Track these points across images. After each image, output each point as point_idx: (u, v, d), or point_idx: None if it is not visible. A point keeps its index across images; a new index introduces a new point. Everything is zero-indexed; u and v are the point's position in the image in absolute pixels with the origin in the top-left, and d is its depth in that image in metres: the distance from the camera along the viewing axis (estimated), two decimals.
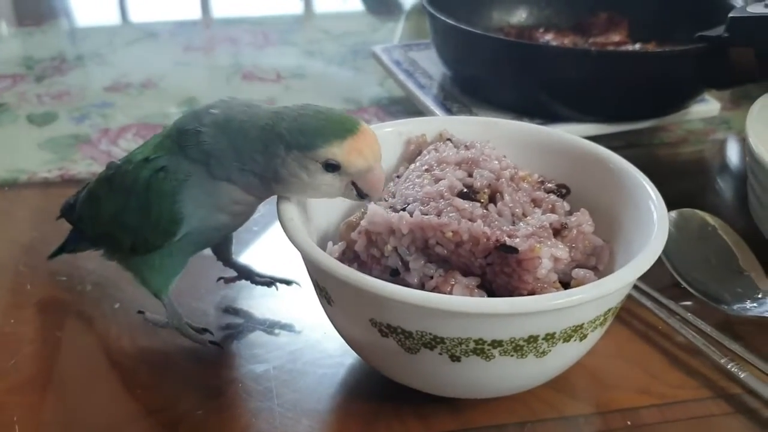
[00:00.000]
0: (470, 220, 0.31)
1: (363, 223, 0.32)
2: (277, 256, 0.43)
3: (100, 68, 0.70)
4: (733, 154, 0.58)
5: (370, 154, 0.32)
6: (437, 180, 0.34)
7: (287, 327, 0.38)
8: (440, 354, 0.28)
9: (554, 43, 0.60)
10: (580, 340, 0.29)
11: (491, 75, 0.56)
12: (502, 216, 0.32)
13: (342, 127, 0.32)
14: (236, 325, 0.38)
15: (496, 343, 0.28)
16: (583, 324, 0.29)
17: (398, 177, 0.37)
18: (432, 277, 0.31)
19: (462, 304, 0.27)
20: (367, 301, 0.29)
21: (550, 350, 0.29)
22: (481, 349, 0.28)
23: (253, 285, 0.40)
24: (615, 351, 0.37)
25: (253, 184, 0.33)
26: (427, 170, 0.35)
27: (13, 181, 0.51)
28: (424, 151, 0.37)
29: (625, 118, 0.54)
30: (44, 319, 0.39)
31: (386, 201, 0.34)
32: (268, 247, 0.45)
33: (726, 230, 0.41)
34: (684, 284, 0.39)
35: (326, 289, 0.31)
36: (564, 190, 0.36)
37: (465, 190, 0.33)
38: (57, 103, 0.63)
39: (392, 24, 0.86)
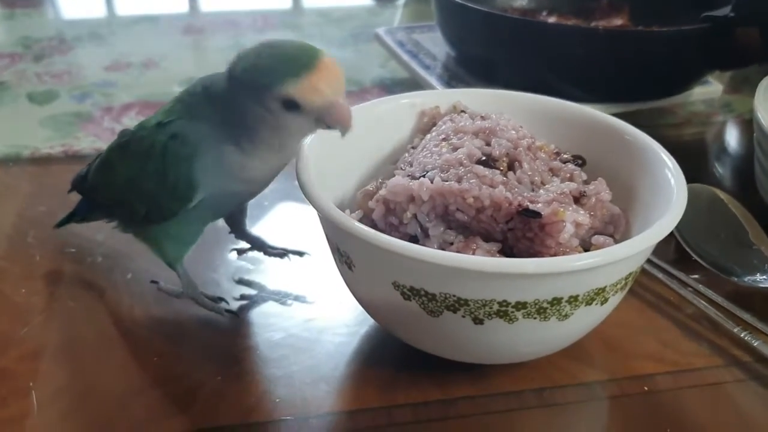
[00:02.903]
0: (491, 186, 0.31)
1: (382, 192, 0.32)
2: (287, 229, 0.43)
3: (99, 49, 0.70)
4: (736, 136, 0.59)
5: (328, 90, 0.30)
6: (455, 148, 0.34)
7: (300, 298, 0.38)
8: (463, 317, 0.29)
9: None
10: (602, 303, 0.30)
11: (498, 54, 0.56)
12: (521, 183, 0.32)
13: (297, 64, 0.30)
14: (250, 296, 0.38)
15: (520, 305, 0.28)
16: (605, 287, 0.29)
17: (413, 148, 0.37)
18: (452, 243, 0.31)
19: (488, 264, 0.27)
20: (391, 263, 0.29)
21: (572, 313, 0.29)
22: (505, 311, 0.28)
23: (266, 256, 0.40)
24: (628, 321, 0.37)
25: (245, 142, 0.32)
26: (444, 139, 0.35)
27: (16, 156, 0.51)
28: (440, 122, 0.37)
29: (630, 98, 0.54)
30: (55, 290, 0.38)
31: (403, 170, 0.34)
32: (279, 220, 0.45)
33: (735, 205, 0.41)
34: (695, 257, 0.40)
35: (347, 253, 0.31)
36: (580, 161, 0.36)
37: (484, 158, 0.33)
38: (57, 82, 0.62)
39: (391, 9, 0.86)
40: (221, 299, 0.37)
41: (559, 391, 0.33)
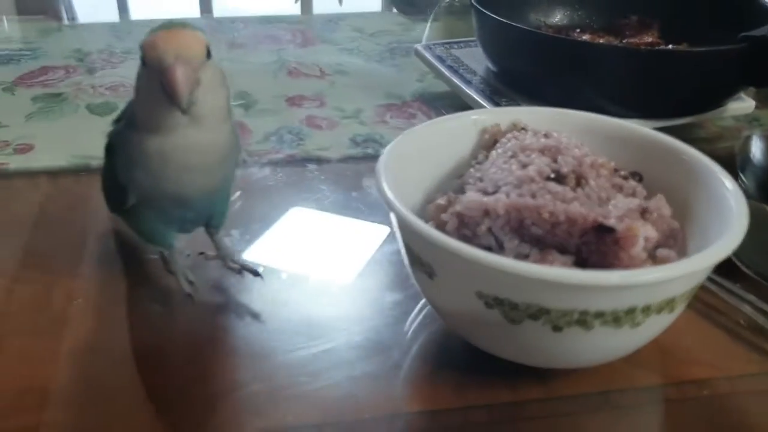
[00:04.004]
0: (563, 202, 0.33)
1: (457, 207, 0.34)
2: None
3: None
4: (763, 149, 0.61)
5: (163, 48, 0.33)
6: (525, 165, 0.36)
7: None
8: (543, 325, 0.31)
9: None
10: (669, 312, 0.32)
11: (539, 71, 0.58)
12: (590, 199, 0.35)
13: (160, 26, 0.34)
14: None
15: (599, 314, 0.30)
16: (675, 297, 0.31)
17: (478, 163, 0.39)
18: (527, 255, 0.33)
19: (576, 276, 0.29)
20: (477, 274, 0.31)
21: (643, 321, 0.31)
22: (584, 320, 0.30)
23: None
24: (679, 328, 0.39)
25: (135, 117, 0.36)
26: (512, 156, 0.37)
27: (86, 166, 0.53)
28: (503, 139, 0.40)
29: (666, 114, 0.57)
30: (139, 295, 0.41)
31: (474, 185, 0.37)
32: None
33: None
34: (743, 267, 0.42)
35: (430, 263, 0.33)
36: (638, 177, 0.38)
37: (553, 174, 0.35)
38: (113, 94, 0.64)
39: (423, 24, 0.88)
40: (193, 283, 0.40)
41: (624, 394, 0.35)
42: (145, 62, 0.34)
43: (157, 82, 0.33)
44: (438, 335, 0.38)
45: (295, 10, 1.00)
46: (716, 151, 0.61)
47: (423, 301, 0.40)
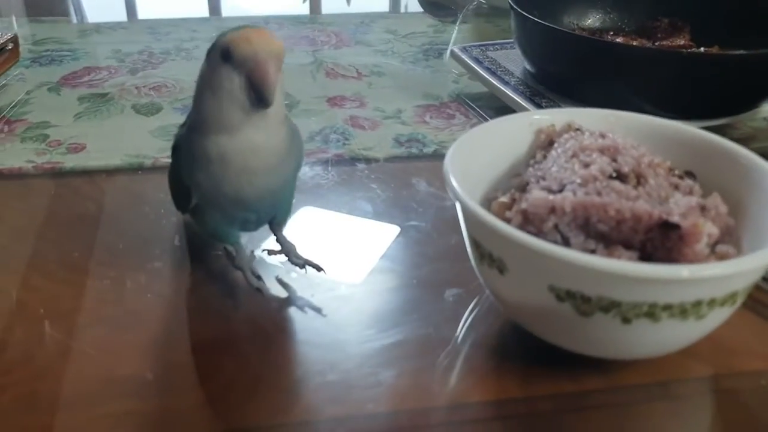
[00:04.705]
0: (627, 200, 0.35)
1: (523, 204, 0.36)
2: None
3: (188, 63, 0.74)
4: None
5: (258, 42, 0.34)
6: (587, 165, 0.37)
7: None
8: (613, 317, 0.32)
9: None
10: (731, 305, 0.33)
11: (579, 73, 0.59)
12: (650, 197, 0.36)
13: (242, 26, 0.35)
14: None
15: (667, 307, 0.31)
16: (737, 291, 0.33)
17: (537, 162, 0.41)
18: (594, 251, 0.34)
19: (649, 270, 0.30)
20: (553, 269, 0.32)
21: (708, 314, 0.32)
22: (653, 312, 0.32)
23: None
24: (729, 321, 0.40)
25: (199, 122, 0.37)
26: (572, 156, 0.39)
27: (140, 165, 0.54)
28: (561, 139, 0.41)
29: (702, 115, 0.58)
30: (208, 289, 0.42)
31: (537, 183, 0.38)
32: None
33: None
34: None
35: (501, 258, 0.34)
36: (692, 177, 0.40)
37: (615, 174, 0.37)
38: (158, 95, 0.66)
39: (453, 26, 0.90)
40: (260, 278, 0.42)
41: (682, 385, 0.37)
42: (228, 58, 0.35)
43: (237, 79, 0.34)
44: (497, 328, 0.40)
45: (304, 9, 1.02)
46: (752, 151, 0.63)
47: (480, 295, 0.42)
